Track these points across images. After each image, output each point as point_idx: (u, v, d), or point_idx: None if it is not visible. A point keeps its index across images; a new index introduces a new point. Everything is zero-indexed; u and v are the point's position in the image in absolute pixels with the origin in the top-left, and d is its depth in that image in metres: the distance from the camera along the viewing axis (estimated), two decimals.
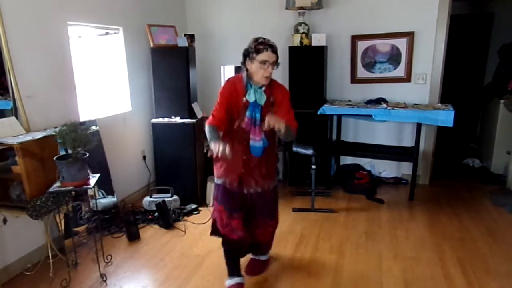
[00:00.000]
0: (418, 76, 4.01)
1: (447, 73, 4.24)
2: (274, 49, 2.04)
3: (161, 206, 3.31)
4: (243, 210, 2.28)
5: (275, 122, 1.94)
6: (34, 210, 2.25)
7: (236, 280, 2.34)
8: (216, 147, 1.92)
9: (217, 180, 2.31)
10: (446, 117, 3.43)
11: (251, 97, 2.10)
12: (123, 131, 3.65)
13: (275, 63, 2.06)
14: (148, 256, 2.83)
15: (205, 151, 3.81)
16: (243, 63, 2.12)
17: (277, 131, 2.01)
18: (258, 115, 2.10)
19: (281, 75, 4.27)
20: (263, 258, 2.64)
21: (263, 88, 2.11)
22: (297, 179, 4.17)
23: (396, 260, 2.69)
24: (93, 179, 2.38)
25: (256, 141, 2.14)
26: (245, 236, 2.31)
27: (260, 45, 2.03)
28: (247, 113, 2.13)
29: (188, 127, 3.61)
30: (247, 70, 2.11)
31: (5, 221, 2.42)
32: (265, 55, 2.02)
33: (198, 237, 3.10)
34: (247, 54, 2.08)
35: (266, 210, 2.36)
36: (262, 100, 2.11)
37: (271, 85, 2.16)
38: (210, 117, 2.16)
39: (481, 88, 5.61)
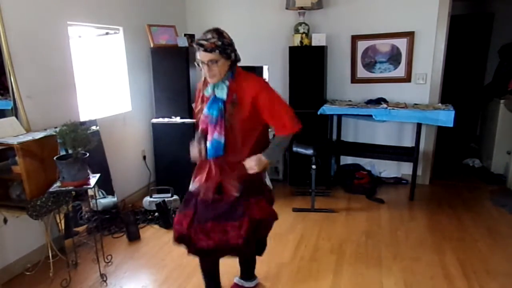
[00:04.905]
0: (418, 76, 4.01)
1: (447, 73, 4.23)
2: (206, 48, 1.71)
3: (161, 206, 3.31)
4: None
5: (250, 167, 1.82)
6: (34, 210, 2.25)
7: None
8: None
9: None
10: (446, 117, 3.42)
11: (207, 91, 1.86)
12: (123, 131, 3.65)
13: (216, 61, 1.73)
14: (148, 256, 2.83)
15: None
16: None
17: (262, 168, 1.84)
18: (215, 112, 1.82)
19: (281, 75, 4.29)
20: (246, 285, 2.32)
21: (227, 82, 1.81)
22: (297, 179, 4.17)
23: (396, 260, 2.69)
24: (93, 179, 2.38)
25: (208, 141, 1.87)
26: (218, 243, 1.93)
27: (196, 44, 1.75)
28: (205, 110, 1.88)
29: (188, 127, 3.60)
30: None
31: (5, 221, 2.42)
32: (199, 55, 1.75)
33: None
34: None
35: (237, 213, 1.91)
36: (222, 94, 1.81)
37: (237, 80, 1.82)
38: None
39: (481, 88, 5.60)
